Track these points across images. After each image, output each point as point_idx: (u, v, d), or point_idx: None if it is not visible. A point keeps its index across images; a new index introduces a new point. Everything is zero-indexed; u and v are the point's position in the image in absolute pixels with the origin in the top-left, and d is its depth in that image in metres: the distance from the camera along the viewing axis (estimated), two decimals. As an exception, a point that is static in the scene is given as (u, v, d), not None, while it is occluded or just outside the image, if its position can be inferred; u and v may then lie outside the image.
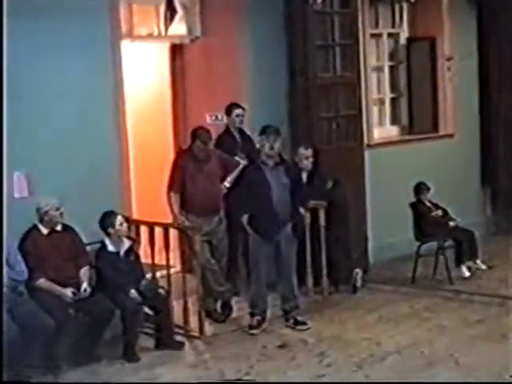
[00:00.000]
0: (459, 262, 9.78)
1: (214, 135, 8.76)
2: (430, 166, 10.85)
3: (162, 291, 7.89)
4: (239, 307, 8.66)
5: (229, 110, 9.09)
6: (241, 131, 9.14)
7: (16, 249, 7.33)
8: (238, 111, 9.06)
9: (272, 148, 8.12)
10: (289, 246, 8.27)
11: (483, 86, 11.81)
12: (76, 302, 7.38)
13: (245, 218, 8.16)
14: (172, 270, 8.33)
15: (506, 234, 11.40)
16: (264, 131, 8.19)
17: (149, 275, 8.05)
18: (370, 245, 10.15)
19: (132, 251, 7.83)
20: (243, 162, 8.69)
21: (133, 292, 7.58)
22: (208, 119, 9.38)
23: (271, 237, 8.14)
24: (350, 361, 7.36)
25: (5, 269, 7.05)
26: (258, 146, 8.29)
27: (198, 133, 8.44)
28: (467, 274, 9.73)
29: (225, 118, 9.21)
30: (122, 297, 7.50)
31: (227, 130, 9.11)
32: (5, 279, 7.09)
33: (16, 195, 7.72)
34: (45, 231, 7.52)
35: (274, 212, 8.09)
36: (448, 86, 11.42)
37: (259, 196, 8.08)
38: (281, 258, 8.22)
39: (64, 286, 7.39)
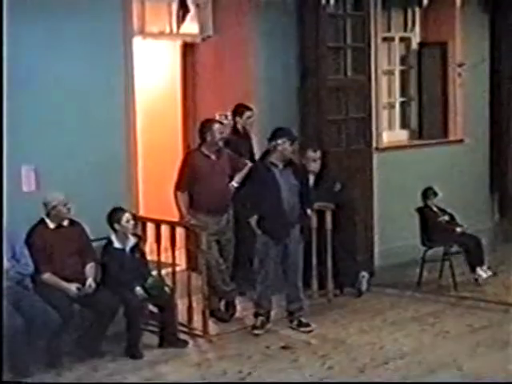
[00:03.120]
0: (473, 266, 9.74)
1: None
2: (439, 171, 10.83)
3: (167, 289, 7.90)
4: (243, 307, 8.67)
5: (239, 112, 9.08)
6: (245, 133, 9.16)
7: (22, 242, 7.35)
8: (249, 113, 9.08)
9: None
10: (297, 247, 8.26)
11: (494, 92, 11.79)
12: (81, 297, 7.39)
13: (254, 219, 8.14)
14: (177, 268, 8.33)
15: (513, 241, 11.43)
16: (278, 133, 8.15)
17: (154, 272, 8.06)
18: (376, 248, 10.15)
19: (138, 248, 7.84)
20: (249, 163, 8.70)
21: (138, 289, 7.59)
22: (217, 118, 9.37)
23: (281, 238, 8.13)
24: (353, 364, 7.35)
25: (5, 261, 7.06)
26: (270, 146, 8.24)
27: (212, 120, 8.54)
28: (485, 275, 9.69)
29: (230, 117, 9.24)
30: (126, 293, 7.51)
31: (236, 131, 9.12)
32: (11, 272, 7.12)
33: (24, 189, 7.74)
34: (52, 226, 7.54)
35: (283, 213, 8.08)
36: (458, 91, 11.40)
37: (269, 197, 8.07)
38: (288, 260, 8.21)
39: (69, 281, 7.40)
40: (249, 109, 9.09)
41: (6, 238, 7.14)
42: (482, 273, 9.71)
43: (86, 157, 8.06)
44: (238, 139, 9.05)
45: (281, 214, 8.07)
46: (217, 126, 8.42)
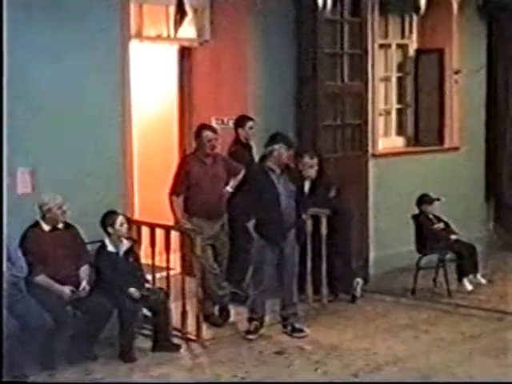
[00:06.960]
0: (461, 275, 9.75)
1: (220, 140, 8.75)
2: (434, 178, 10.83)
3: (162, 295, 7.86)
4: (237, 312, 8.66)
5: (241, 122, 9.06)
6: (247, 143, 9.15)
7: (17, 245, 7.34)
8: (251, 123, 9.04)
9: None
10: (293, 252, 8.26)
11: (490, 99, 11.81)
12: (74, 300, 7.39)
13: (251, 223, 8.14)
14: (172, 272, 8.32)
15: (507, 249, 11.42)
16: (274, 138, 8.17)
17: (149, 276, 8.05)
18: (371, 255, 10.15)
19: (132, 252, 7.84)
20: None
21: (133, 290, 7.55)
22: (214, 123, 9.38)
23: (277, 242, 8.13)
24: (346, 370, 7.35)
25: (5, 264, 7.05)
26: (267, 151, 8.24)
27: (205, 127, 8.56)
28: (470, 287, 9.69)
29: (230, 123, 9.23)
30: (120, 297, 7.50)
31: (239, 141, 9.09)
32: (6, 275, 7.10)
33: (19, 191, 7.73)
34: (46, 228, 7.53)
35: (281, 218, 8.08)
36: (455, 98, 11.41)
37: (267, 201, 8.06)
38: (284, 264, 8.20)
39: (63, 283, 7.40)
40: (250, 119, 9.07)
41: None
42: (468, 284, 9.69)
43: (82, 160, 8.05)
44: (241, 149, 9.04)
45: (279, 218, 8.07)
46: (206, 133, 8.41)
